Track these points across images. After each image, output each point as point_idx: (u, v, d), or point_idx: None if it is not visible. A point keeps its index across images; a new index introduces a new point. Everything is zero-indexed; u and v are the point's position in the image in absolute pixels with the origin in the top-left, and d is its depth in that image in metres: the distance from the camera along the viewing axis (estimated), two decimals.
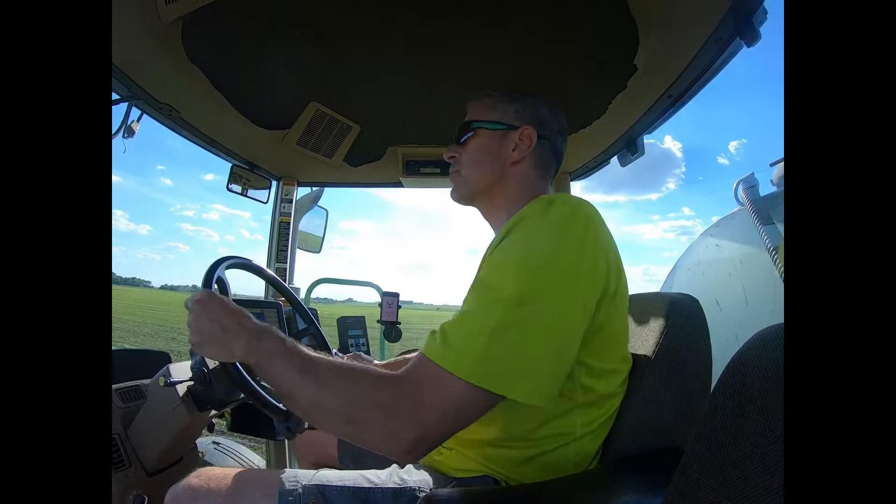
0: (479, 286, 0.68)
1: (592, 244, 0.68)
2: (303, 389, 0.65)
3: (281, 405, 0.86)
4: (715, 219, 2.52)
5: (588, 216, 0.70)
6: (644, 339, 0.85)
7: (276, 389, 0.69)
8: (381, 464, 0.90)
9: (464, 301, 0.69)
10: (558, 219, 0.69)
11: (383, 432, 0.61)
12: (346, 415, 0.63)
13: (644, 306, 0.91)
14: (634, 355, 0.85)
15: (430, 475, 0.85)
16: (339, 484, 0.80)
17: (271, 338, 0.71)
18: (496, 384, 0.60)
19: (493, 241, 0.77)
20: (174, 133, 1.49)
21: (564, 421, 0.75)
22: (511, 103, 0.95)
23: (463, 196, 0.98)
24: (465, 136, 0.96)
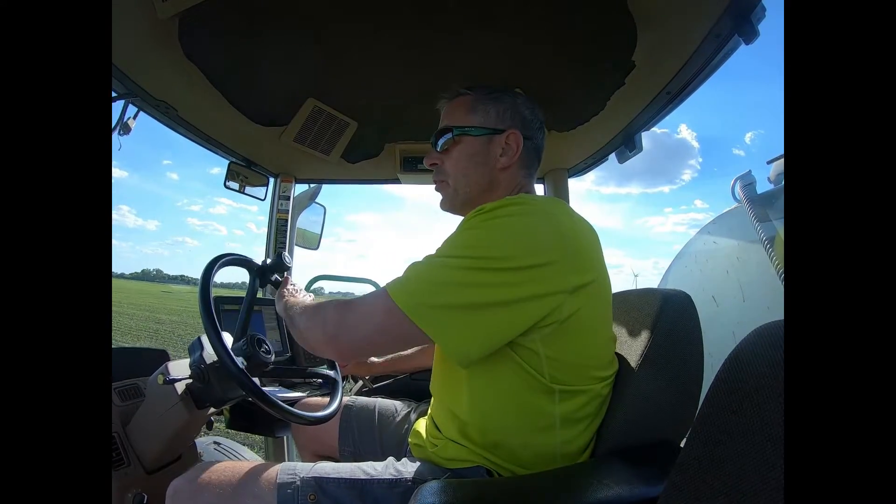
0: (444, 243, 0.76)
1: (550, 245, 0.71)
2: (293, 318, 0.90)
3: (278, 401, 0.88)
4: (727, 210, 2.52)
5: (554, 217, 0.75)
6: (636, 334, 0.86)
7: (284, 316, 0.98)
8: (379, 456, 0.92)
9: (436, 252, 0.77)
10: (523, 215, 0.73)
11: (317, 333, 0.83)
12: (304, 325, 0.86)
13: (636, 302, 0.91)
14: (627, 350, 0.86)
15: (424, 467, 0.86)
16: (335, 476, 0.82)
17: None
18: (418, 314, 0.69)
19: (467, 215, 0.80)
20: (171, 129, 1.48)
21: (543, 407, 0.77)
22: (491, 104, 0.92)
23: (454, 206, 0.97)
24: (446, 142, 0.94)
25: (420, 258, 0.77)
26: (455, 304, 0.68)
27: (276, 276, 1.18)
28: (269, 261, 1.17)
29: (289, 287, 1.08)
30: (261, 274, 1.16)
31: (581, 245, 0.75)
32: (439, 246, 0.77)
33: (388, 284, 0.74)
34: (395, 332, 0.73)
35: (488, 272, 0.68)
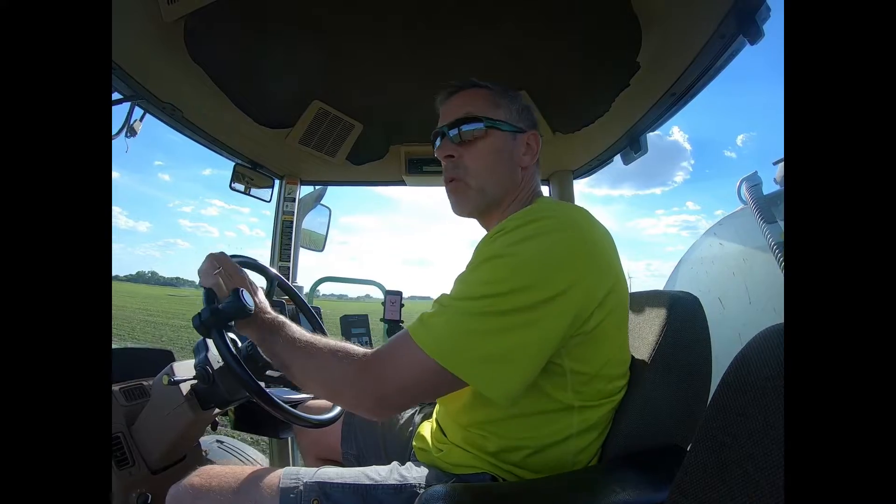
0: (467, 279, 0.70)
1: (580, 261, 0.67)
2: (293, 363, 0.77)
3: (282, 403, 0.88)
4: (720, 213, 2.50)
5: (579, 229, 0.70)
6: (644, 336, 0.85)
7: (273, 361, 0.83)
8: (382, 460, 0.90)
9: (451, 290, 0.72)
10: (550, 232, 0.69)
11: (352, 398, 0.72)
12: (324, 385, 0.75)
13: (645, 304, 0.90)
14: (635, 353, 0.85)
15: (430, 472, 0.85)
16: (339, 481, 0.81)
17: (271, 317, 0.85)
18: (459, 368, 0.64)
19: (486, 236, 0.75)
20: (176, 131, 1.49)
21: (560, 420, 0.76)
22: (511, 102, 0.88)
23: (477, 208, 0.88)
24: (471, 132, 0.85)
25: (440, 290, 0.72)
26: (496, 354, 0.64)
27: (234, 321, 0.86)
28: (220, 305, 0.84)
29: (266, 321, 0.85)
30: (216, 327, 0.84)
31: (605, 254, 0.72)
32: (464, 276, 0.71)
33: (419, 337, 0.67)
34: (439, 388, 0.70)
35: (522, 312, 0.64)
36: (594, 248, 0.70)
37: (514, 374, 0.65)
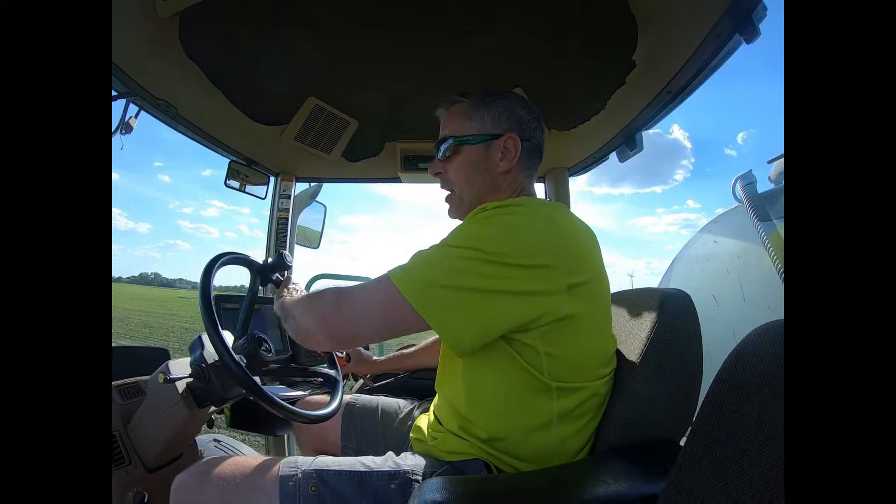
0: (449, 234, 0.78)
1: (551, 247, 0.73)
2: (292, 304, 0.90)
3: (280, 399, 0.89)
4: (720, 210, 2.51)
5: (551, 220, 0.77)
6: (635, 333, 0.86)
7: (279, 311, 0.96)
8: (381, 452, 0.93)
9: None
10: (523, 214, 0.76)
11: (314, 332, 0.83)
12: (306, 320, 0.85)
13: (636, 301, 0.92)
14: (626, 349, 0.87)
15: (424, 460, 0.88)
16: (336, 468, 0.84)
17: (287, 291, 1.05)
18: (416, 299, 0.71)
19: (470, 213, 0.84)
20: (171, 128, 1.48)
21: (540, 403, 0.79)
22: (487, 110, 0.94)
23: (461, 214, 0.98)
24: (447, 149, 0.96)
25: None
26: (451, 285, 0.70)
27: (276, 275, 1.17)
28: (269, 260, 1.16)
29: (289, 287, 1.09)
30: (261, 273, 1.15)
31: (579, 247, 0.77)
32: (449, 233, 0.79)
33: (390, 270, 0.76)
34: (389, 314, 0.75)
35: (488, 264, 0.70)
36: (567, 240, 0.75)
37: (466, 316, 0.71)
